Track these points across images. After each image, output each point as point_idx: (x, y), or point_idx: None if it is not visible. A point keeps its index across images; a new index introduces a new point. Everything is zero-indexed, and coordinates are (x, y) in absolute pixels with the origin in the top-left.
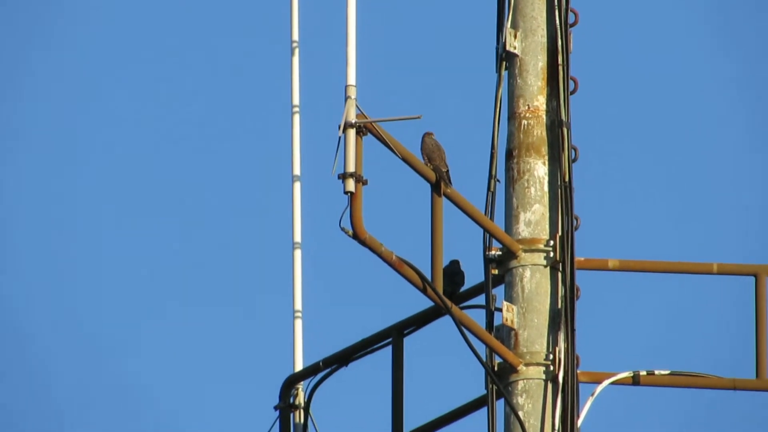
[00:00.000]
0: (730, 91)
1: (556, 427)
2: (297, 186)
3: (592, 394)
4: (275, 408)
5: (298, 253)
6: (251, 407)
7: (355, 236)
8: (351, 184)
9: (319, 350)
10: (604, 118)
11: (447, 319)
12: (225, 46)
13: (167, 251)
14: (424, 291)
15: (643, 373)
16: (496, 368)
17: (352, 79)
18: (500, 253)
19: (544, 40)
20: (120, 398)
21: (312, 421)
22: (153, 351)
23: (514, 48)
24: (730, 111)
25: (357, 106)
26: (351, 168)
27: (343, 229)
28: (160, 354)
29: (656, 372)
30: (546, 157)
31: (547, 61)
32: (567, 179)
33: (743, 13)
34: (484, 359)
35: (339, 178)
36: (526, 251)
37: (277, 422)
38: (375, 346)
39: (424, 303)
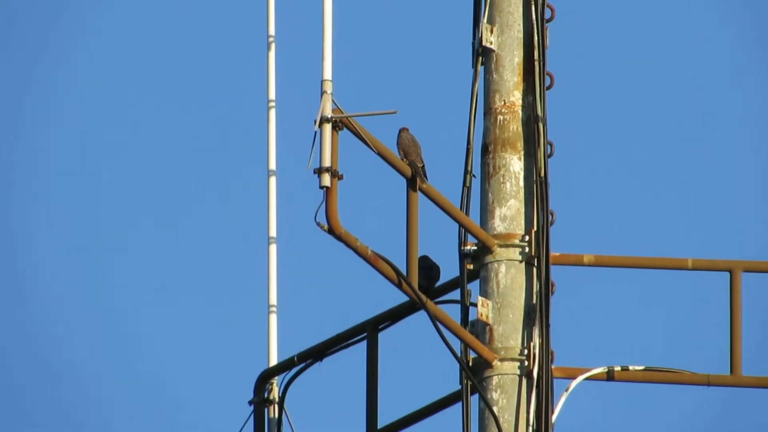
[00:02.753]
0: (705, 84)
1: (531, 423)
2: (273, 180)
3: (567, 390)
4: (249, 403)
5: (273, 248)
6: (226, 402)
7: (331, 231)
8: (327, 179)
9: (293, 345)
10: (580, 113)
11: (422, 314)
12: (201, 40)
13: (141, 245)
14: (399, 286)
15: (617, 368)
16: (470, 363)
17: (328, 73)
18: (475, 248)
19: (521, 35)
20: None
21: (286, 415)
22: (126, 344)
23: (491, 43)
24: (706, 105)
25: (333, 100)
26: (327, 163)
27: (318, 224)
28: (134, 347)
29: (631, 367)
30: (522, 153)
31: (523, 57)
32: (542, 174)
33: (719, 6)
34: (458, 354)
35: (315, 172)
36: (501, 246)
37: (252, 417)
38: (350, 341)
39: (399, 298)
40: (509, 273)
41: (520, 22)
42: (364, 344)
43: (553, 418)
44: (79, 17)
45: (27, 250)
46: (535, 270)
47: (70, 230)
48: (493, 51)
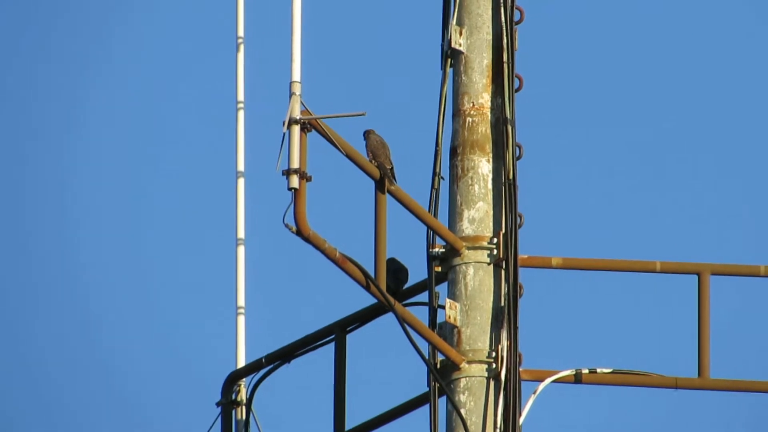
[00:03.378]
0: (674, 85)
1: (498, 425)
2: (241, 182)
3: (535, 392)
4: (217, 404)
5: (241, 250)
6: (193, 404)
7: (299, 233)
8: (295, 181)
9: (261, 347)
10: (549, 115)
11: (390, 316)
12: (169, 41)
13: (109, 245)
14: (367, 288)
15: (585, 371)
16: (438, 366)
17: (297, 75)
18: (444, 250)
19: (490, 37)
20: (73, 386)
21: (254, 417)
22: (93, 345)
23: (460, 45)
24: (674, 106)
25: (302, 102)
26: (295, 164)
27: (286, 226)
28: (100, 349)
29: (598, 370)
30: (490, 155)
31: (492, 59)
32: (511, 177)
33: (687, 8)
34: (426, 356)
35: (283, 174)
36: (469, 249)
37: (219, 419)
38: (318, 343)
39: (367, 300)
40: (477, 275)
41: (489, 24)
42: (332, 346)
43: (521, 420)
44: (42, 19)
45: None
46: (503, 272)
47: (52, 234)
48: (462, 53)
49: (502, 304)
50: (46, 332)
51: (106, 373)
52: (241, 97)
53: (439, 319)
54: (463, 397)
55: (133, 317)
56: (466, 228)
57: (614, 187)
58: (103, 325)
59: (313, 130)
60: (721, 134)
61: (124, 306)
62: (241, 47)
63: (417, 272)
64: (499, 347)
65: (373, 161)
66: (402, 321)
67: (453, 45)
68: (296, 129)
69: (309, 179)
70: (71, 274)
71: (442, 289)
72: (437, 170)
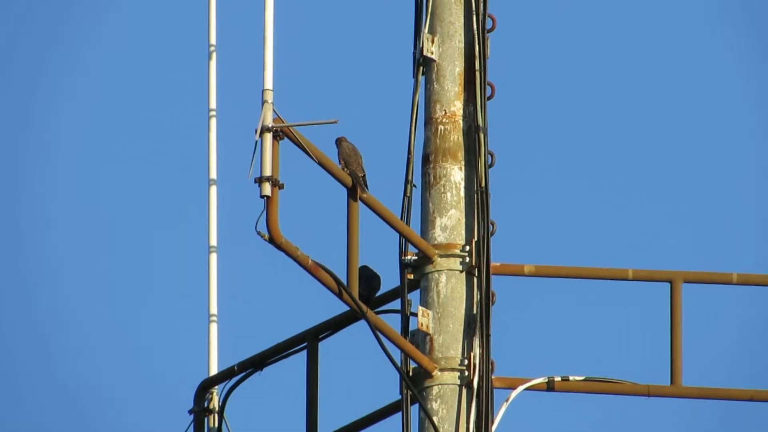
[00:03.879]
0: (646, 94)
1: None
2: (213, 189)
3: (507, 400)
4: (189, 412)
5: (213, 257)
6: (165, 411)
7: (271, 240)
8: (267, 188)
9: (234, 354)
10: (520, 123)
11: (362, 323)
12: (142, 49)
13: (77, 253)
14: (339, 296)
15: (557, 378)
16: (411, 373)
17: (269, 83)
18: (416, 257)
19: (462, 45)
20: (34, 398)
21: (226, 425)
22: (64, 352)
23: (432, 53)
24: (645, 115)
25: (274, 110)
26: (267, 172)
27: (259, 233)
28: (71, 356)
29: (571, 378)
30: (462, 163)
31: (464, 67)
32: (483, 184)
33: (661, 15)
34: (399, 364)
35: (255, 181)
36: (441, 256)
37: (192, 426)
38: (290, 351)
39: (339, 307)
40: (450, 283)
41: (461, 32)
42: (304, 354)
43: (493, 428)
44: (7, 21)
45: None
46: (475, 280)
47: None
48: (434, 61)
49: (475, 311)
50: (7, 343)
51: (77, 384)
52: (213, 104)
53: (412, 327)
54: (435, 405)
55: (102, 325)
56: (439, 236)
57: (586, 195)
58: (72, 334)
59: (285, 138)
60: (693, 143)
61: (94, 315)
62: (213, 55)
63: (389, 280)
64: (472, 355)
65: (346, 169)
66: (374, 329)
67: (425, 53)
68: (268, 137)
69: (281, 187)
70: (34, 281)
71: (414, 296)
72: (409, 178)
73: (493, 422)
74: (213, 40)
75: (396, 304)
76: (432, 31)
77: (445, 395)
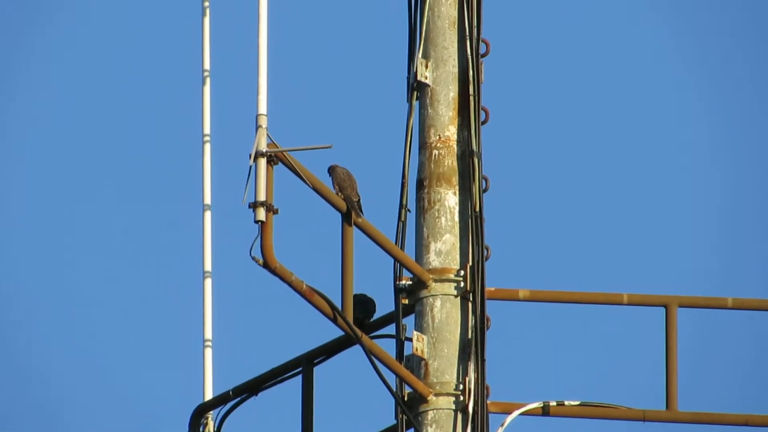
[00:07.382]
0: (642, 117)
1: None
2: (208, 215)
3: (502, 425)
4: None
5: (208, 282)
6: None
7: (266, 265)
8: (262, 213)
9: (229, 379)
10: (515, 148)
11: (357, 348)
12: (136, 73)
13: (77, 274)
14: (334, 320)
15: (553, 403)
16: (406, 398)
17: (263, 108)
18: (411, 282)
19: (456, 70)
20: (26, 417)
21: None
22: (58, 378)
23: (426, 78)
24: (641, 139)
25: (268, 135)
26: (262, 197)
27: (253, 258)
28: (65, 383)
29: (566, 403)
30: (457, 187)
31: (458, 91)
32: (478, 209)
33: (652, 44)
34: (394, 389)
35: (250, 207)
36: (436, 281)
37: None
38: (285, 376)
39: (334, 332)
40: (444, 307)
41: (455, 56)
42: (299, 378)
43: None
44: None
45: None
46: (470, 305)
47: None
48: (428, 85)
49: (470, 336)
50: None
51: (71, 411)
52: (207, 130)
53: (407, 352)
54: (430, 430)
55: (97, 351)
56: (433, 260)
57: (581, 219)
58: (65, 362)
59: (279, 163)
60: (688, 166)
61: (88, 341)
62: (207, 80)
63: (384, 304)
64: (467, 379)
65: (340, 193)
66: (369, 353)
67: (419, 77)
68: (263, 162)
69: (276, 212)
70: (17, 314)
71: (409, 321)
72: (404, 203)
73: None
74: (207, 65)
75: (391, 329)
76: (426, 56)
77: (440, 420)
